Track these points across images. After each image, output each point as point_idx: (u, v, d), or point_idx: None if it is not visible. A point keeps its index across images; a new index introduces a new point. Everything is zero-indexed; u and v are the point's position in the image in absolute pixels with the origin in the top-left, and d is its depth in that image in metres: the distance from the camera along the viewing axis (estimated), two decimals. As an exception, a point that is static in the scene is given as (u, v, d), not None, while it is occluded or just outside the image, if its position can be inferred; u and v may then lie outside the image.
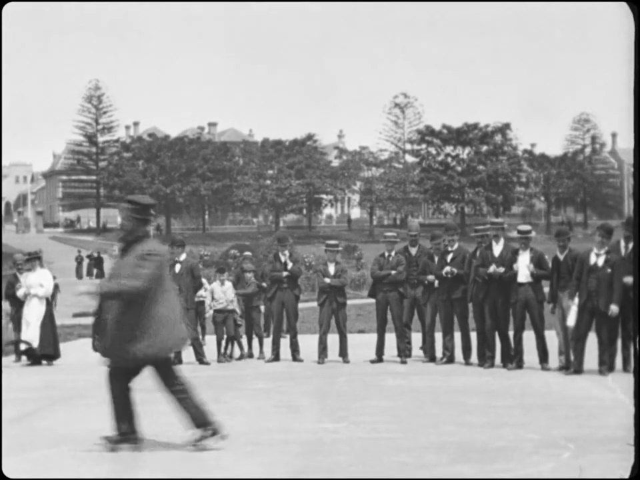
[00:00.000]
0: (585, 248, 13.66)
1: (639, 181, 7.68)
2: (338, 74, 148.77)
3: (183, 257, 16.04)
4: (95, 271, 56.27)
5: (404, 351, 15.30)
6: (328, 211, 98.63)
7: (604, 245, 13.03)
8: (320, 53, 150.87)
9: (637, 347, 12.10)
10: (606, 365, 12.96)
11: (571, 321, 13.13)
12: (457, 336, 14.72)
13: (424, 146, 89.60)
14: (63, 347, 18.12)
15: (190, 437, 7.94)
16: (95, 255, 58.61)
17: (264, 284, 17.39)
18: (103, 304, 8.26)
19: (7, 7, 8.23)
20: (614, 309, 12.84)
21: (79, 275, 56.53)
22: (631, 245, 13.28)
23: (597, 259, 12.99)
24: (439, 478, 6.86)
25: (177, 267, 15.94)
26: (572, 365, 13.12)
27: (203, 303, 16.73)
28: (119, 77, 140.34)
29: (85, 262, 58.24)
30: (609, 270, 12.88)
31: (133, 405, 8.08)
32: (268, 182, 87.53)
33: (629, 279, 12.96)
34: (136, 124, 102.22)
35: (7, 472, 7.03)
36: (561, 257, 13.55)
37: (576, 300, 13.03)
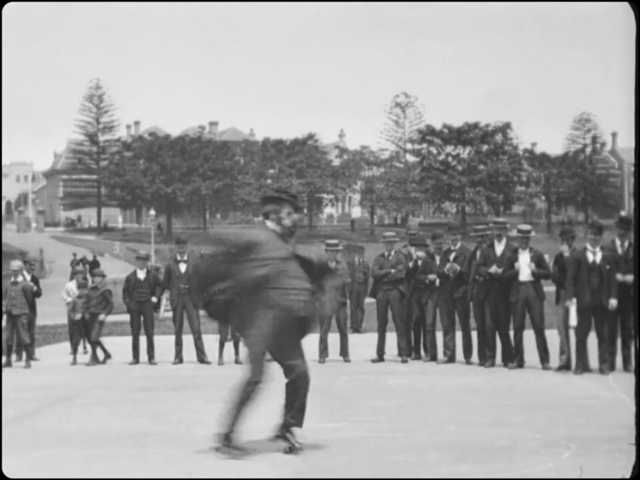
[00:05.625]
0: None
1: (639, 180, 7.68)
2: (339, 73, 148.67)
3: (186, 256, 16.20)
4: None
5: (405, 350, 15.30)
6: (329, 210, 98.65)
7: (597, 242, 13.06)
8: (321, 52, 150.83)
9: (637, 345, 12.10)
10: (607, 364, 12.95)
11: (573, 320, 13.14)
12: (458, 335, 14.72)
13: (425, 145, 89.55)
14: (63, 346, 18.14)
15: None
16: (90, 258, 51.97)
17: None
18: None
19: (7, 7, 8.23)
20: (613, 302, 12.86)
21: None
22: (626, 244, 13.28)
23: (594, 256, 13.01)
24: (440, 477, 6.85)
25: (183, 267, 16.03)
26: (578, 366, 13.08)
27: None
28: (119, 76, 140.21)
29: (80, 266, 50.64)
30: (608, 266, 12.90)
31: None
32: (269, 181, 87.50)
33: (628, 278, 12.97)
34: (137, 123, 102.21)
35: (6, 472, 7.03)
36: (565, 255, 13.57)
37: (574, 300, 13.04)
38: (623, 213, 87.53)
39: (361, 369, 14.48)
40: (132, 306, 16.37)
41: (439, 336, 15.02)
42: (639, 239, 8.47)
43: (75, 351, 16.86)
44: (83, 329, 17.00)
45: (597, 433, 8.45)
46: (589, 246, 13.08)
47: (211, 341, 16.48)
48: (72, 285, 18.12)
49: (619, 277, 13.09)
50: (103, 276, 17.23)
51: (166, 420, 9.73)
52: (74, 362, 16.58)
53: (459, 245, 14.90)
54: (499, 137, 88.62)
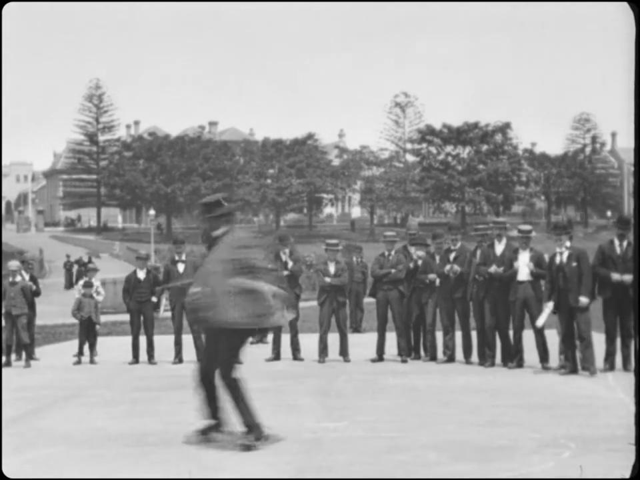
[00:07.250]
0: (585, 247, 13.67)
1: (639, 180, 7.68)
2: (339, 73, 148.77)
3: (184, 256, 16.22)
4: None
5: (405, 350, 15.30)
6: (328, 210, 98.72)
7: (563, 242, 13.06)
8: (321, 52, 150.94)
9: (637, 345, 12.08)
10: (593, 366, 12.91)
11: (540, 322, 13.20)
12: (458, 335, 14.71)
13: (424, 145, 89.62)
14: (63, 346, 18.14)
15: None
16: (85, 259, 49.46)
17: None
18: None
19: (7, 7, 8.23)
20: (583, 300, 12.83)
21: (68, 284, 47.59)
22: (625, 243, 13.27)
23: (561, 256, 13.02)
24: (440, 477, 6.85)
25: (181, 267, 16.05)
26: (566, 366, 13.08)
27: None
28: (119, 76, 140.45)
29: (75, 268, 48.46)
30: (575, 264, 12.90)
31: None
32: (268, 181, 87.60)
33: (627, 277, 12.97)
34: (137, 123, 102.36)
35: (6, 472, 7.03)
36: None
37: (550, 303, 13.08)
38: (609, 213, 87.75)
39: (361, 368, 14.48)
40: (132, 306, 16.38)
41: (439, 336, 15.02)
42: (639, 238, 8.46)
43: (80, 350, 16.86)
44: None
45: (597, 433, 8.45)
46: (557, 247, 13.12)
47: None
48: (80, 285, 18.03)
49: (617, 276, 13.09)
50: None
51: (166, 420, 9.72)
52: (78, 361, 16.61)
53: (459, 244, 14.90)
54: (498, 137, 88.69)
